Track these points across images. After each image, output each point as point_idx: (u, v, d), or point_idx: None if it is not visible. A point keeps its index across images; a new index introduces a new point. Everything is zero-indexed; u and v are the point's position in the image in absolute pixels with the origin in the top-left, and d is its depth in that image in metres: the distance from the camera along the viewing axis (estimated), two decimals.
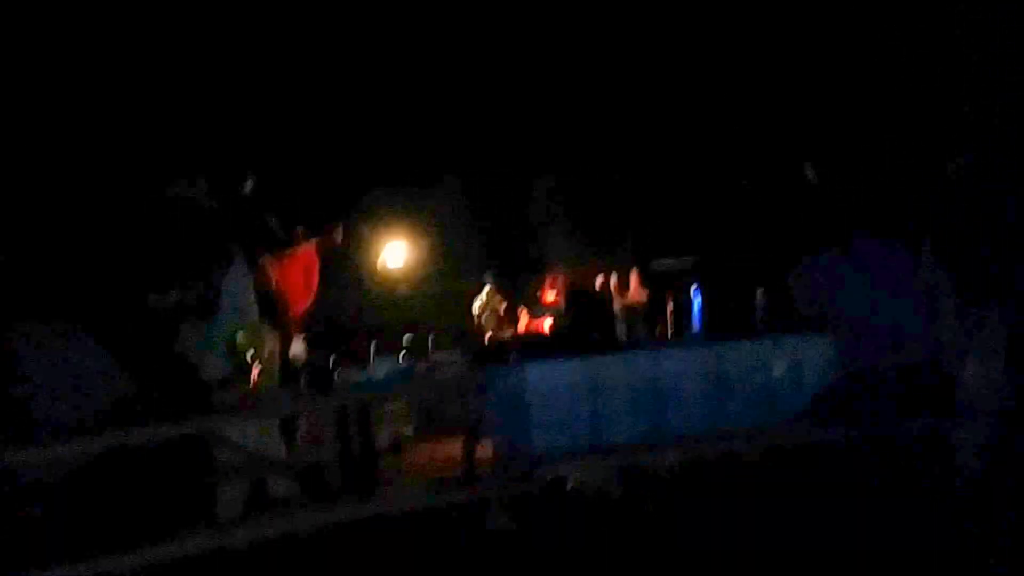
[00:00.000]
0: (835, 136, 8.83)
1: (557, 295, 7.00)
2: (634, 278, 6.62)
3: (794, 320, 6.63)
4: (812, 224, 7.65)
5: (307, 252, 7.69)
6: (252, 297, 6.23)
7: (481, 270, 8.19)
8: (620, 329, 6.20)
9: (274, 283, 7.18)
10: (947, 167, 7.19)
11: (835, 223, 7.23)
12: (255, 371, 5.62)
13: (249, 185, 7.31)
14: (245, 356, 5.69)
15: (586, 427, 5.96)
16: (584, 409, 5.96)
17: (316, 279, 7.81)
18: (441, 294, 8.73)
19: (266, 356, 5.82)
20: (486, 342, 6.15)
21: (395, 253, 8.90)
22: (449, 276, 9.48)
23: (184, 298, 5.92)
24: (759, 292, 6.87)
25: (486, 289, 6.30)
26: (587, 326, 6.08)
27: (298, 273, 7.53)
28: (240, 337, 5.77)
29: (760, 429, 6.18)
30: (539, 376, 5.91)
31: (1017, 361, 6.21)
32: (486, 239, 9.99)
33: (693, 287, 6.53)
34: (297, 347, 5.79)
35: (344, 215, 8.19)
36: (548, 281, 7.01)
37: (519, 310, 6.71)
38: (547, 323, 6.62)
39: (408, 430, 6.41)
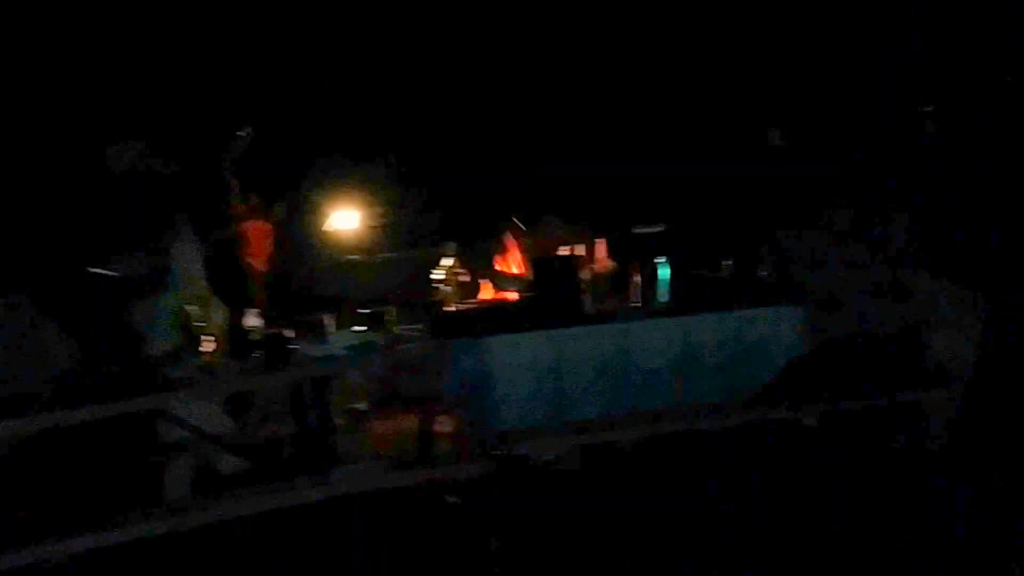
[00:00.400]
0: (804, 101, 8.64)
1: (519, 263, 6.74)
2: (600, 247, 6.36)
3: (763, 292, 6.46)
4: (781, 193, 7.49)
5: (257, 222, 7.43)
6: (200, 267, 5.94)
7: (435, 237, 7.97)
8: (586, 301, 5.94)
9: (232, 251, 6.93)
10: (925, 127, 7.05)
11: (804, 192, 7.08)
12: (206, 345, 5.34)
13: (246, 135, 7.03)
14: (195, 329, 5.39)
15: (551, 403, 5.76)
16: (549, 384, 5.76)
17: (271, 248, 7.56)
18: (396, 262, 8.47)
19: (217, 329, 5.54)
20: (448, 314, 5.87)
21: (346, 219, 8.59)
22: (402, 244, 9.19)
23: (130, 269, 5.62)
24: (725, 264, 6.66)
25: (447, 259, 6.06)
26: (553, 297, 5.84)
27: (255, 240, 7.27)
28: (190, 309, 5.47)
29: (727, 405, 6.01)
30: (503, 350, 5.69)
31: (995, 332, 6.09)
32: (441, 207, 9.69)
33: (660, 258, 6.31)
34: (252, 319, 5.48)
35: (294, 184, 7.94)
36: (507, 247, 6.77)
37: (481, 280, 6.44)
38: (511, 294, 6.34)
39: (363, 404, 6.14)
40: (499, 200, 8.36)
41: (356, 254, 8.66)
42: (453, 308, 5.96)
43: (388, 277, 8.03)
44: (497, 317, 5.85)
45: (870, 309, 6.19)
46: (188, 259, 5.87)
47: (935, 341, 6.14)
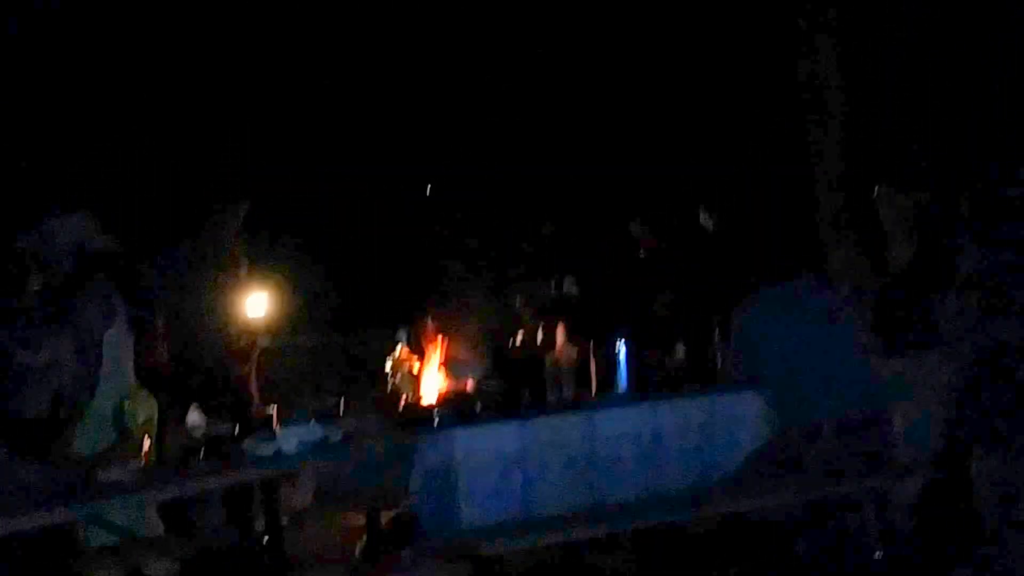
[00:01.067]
0: (735, 178, 8.58)
1: (443, 348, 6.39)
2: (560, 333, 6.07)
3: (720, 373, 6.25)
4: (719, 272, 7.32)
5: None
6: (131, 355, 5.45)
7: (354, 318, 7.61)
8: (552, 391, 5.65)
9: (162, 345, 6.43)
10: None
11: (743, 268, 6.92)
12: (146, 443, 4.86)
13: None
14: (134, 426, 4.91)
15: (517, 497, 5.40)
16: (515, 478, 5.40)
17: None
18: (322, 348, 8.06)
19: (153, 427, 5.07)
20: (407, 407, 5.50)
21: (257, 303, 8.11)
22: (320, 327, 8.79)
23: (58, 355, 5.11)
24: (678, 347, 6.46)
25: (399, 347, 5.71)
26: (518, 386, 5.52)
27: None
28: (128, 404, 4.99)
29: (693, 496, 5.73)
30: (468, 442, 5.32)
31: (959, 405, 5.93)
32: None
33: (619, 340, 6.05)
34: (194, 416, 5.03)
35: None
36: (429, 331, 6.42)
37: (437, 369, 6.08)
38: (467, 383, 5.99)
39: (303, 502, 5.72)
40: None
41: (266, 339, 8.20)
42: (409, 399, 5.61)
43: (316, 364, 7.64)
44: (459, 409, 5.50)
45: (838, 388, 5.98)
46: (121, 346, 5.39)
47: (894, 419, 5.95)
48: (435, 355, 6.41)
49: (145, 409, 5.32)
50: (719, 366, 6.44)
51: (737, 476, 5.85)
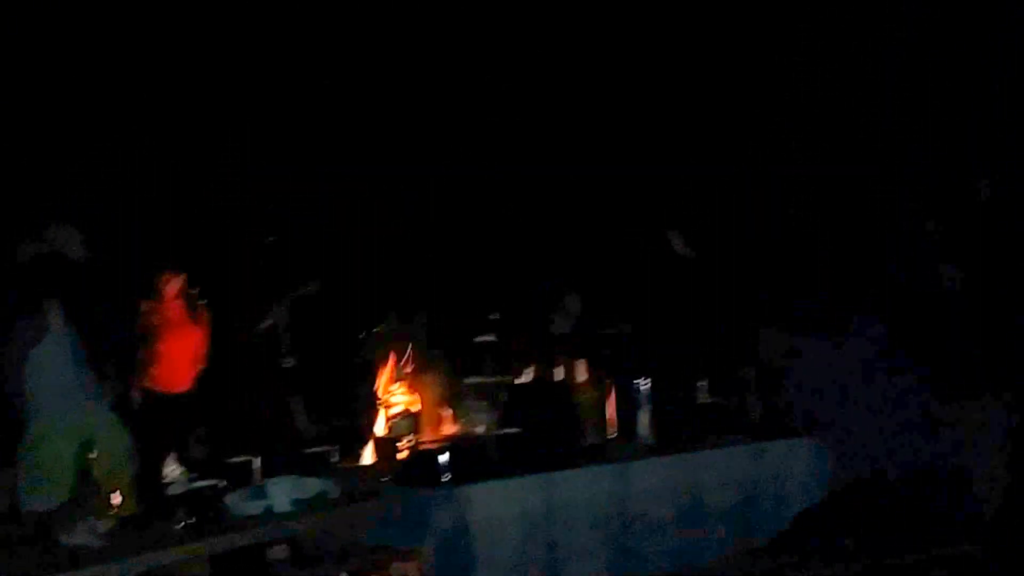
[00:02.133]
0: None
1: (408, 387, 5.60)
2: (582, 368, 5.34)
3: (770, 421, 5.54)
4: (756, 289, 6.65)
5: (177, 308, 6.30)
6: (92, 388, 4.72)
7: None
8: (585, 436, 4.93)
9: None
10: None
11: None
12: (112, 499, 4.11)
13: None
14: (98, 478, 4.15)
15: (541, 565, 4.67)
16: (539, 542, 4.67)
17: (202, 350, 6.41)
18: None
19: (126, 478, 4.33)
20: (412, 456, 4.77)
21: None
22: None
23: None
24: (701, 385, 5.71)
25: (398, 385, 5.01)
26: (545, 434, 4.79)
27: (178, 342, 6.13)
28: (96, 446, 4.22)
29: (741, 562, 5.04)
30: (486, 500, 4.59)
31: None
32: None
33: (640, 380, 5.34)
34: (171, 467, 4.27)
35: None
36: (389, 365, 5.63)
37: (440, 408, 5.33)
38: (479, 427, 5.22)
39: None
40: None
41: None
42: (413, 446, 4.87)
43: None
44: (472, 458, 4.76)
45: (899, 442, 5.30)
46: (75, 378, 4.67)
47: (979, 479, 5.28)
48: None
49: (115, 453, 4.59)
50: (753, 408, 5.70)
51: (787, 538, 5.17)
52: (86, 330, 4.69)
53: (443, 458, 4.67)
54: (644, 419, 5.32)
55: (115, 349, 4.89)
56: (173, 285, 6.45)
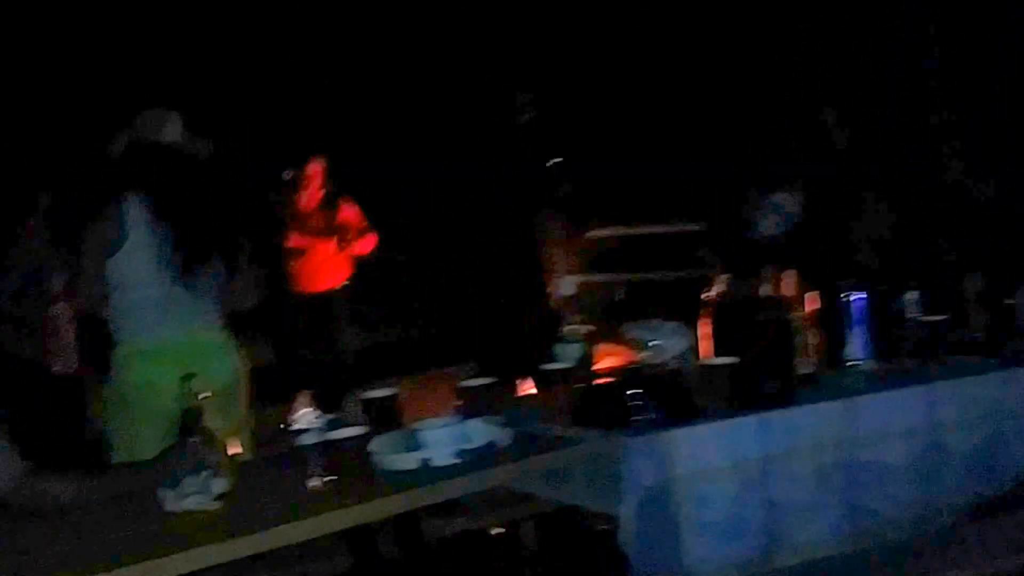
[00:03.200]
0: None
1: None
2: (791, 281, 4.30)
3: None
4: None
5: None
6: (167, 281, 3.85)
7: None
8: (799, 366, 3.93)
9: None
10: None
11: None
12: (231, 447, 3.18)
13: None
14: (206, 420, 3.20)
15: (758, 527, 3.72)
16: (755, 499, 3.72)
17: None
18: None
19: (242, 423, 3.41)
20: (591, 388, 3.79)
21: None
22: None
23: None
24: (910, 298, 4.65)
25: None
26: (759, 363, 3.81)
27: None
28: (197, 382, 3.24)
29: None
30: (694, 450, 3.64)
31: None
32: None
33: (851, 291, 4.33)
34: (303, 406, 3.32)
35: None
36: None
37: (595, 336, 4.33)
38: (668, 355, 4.16)
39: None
40: None
41: None
42: (590, 378, 3.91)
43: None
44: (670, 394, 3.78)
45: None
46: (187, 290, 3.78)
47: None
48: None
49: (229, 388, 3.67)
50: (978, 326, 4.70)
51: None
52: (186, 232, 3.79)
53: (627, 393, 3.71)
54: (859, 340, 4.34)
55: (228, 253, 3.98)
56: (315, 169, 5.73)
